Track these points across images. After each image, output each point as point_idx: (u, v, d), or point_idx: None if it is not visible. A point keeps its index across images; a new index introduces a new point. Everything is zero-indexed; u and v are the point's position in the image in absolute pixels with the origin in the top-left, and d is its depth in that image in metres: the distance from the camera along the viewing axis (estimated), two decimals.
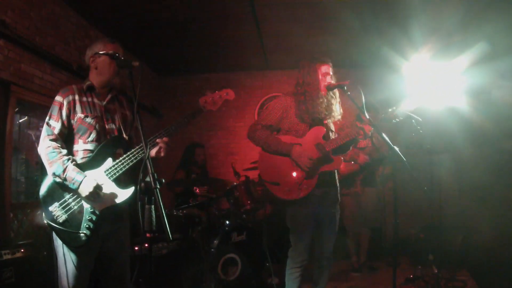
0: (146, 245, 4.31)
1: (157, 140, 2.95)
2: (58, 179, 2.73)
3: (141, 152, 2.85)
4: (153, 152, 2.99)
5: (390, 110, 3.73)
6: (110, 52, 2.99)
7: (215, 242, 5.04)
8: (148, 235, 2.45)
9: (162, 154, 3.02)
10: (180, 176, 6.56)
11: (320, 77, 3.75)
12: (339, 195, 3.90)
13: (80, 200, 2.77)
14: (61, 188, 2.78)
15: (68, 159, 2.76)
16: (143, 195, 2.39)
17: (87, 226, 2.72)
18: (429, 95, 6.13)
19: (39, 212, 4.80)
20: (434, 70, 6.29)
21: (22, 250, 3.92)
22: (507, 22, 5.46)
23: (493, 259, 5.89)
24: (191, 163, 6.79)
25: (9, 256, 3.77)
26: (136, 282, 4.25)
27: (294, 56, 7.67)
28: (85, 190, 2.71)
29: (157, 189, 2.29)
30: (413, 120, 4.04)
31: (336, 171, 3.88)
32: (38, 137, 3.41)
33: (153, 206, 2.39)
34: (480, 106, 6.30)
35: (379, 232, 7.40)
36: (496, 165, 6.38)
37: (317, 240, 3.84)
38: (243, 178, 6.10)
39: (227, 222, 5.43)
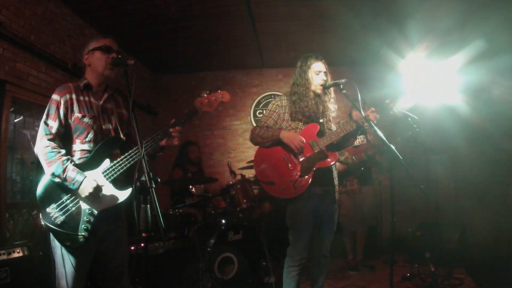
0: (142, 244, 4.31)
1: (170, 130, 2.99)
2: (57, 179, 2.71)
3: (138, 153, 2.83)
4: (163, 141, 3.02)
5: (387, 101, 3.75)
6: (101, 45, 2.99)
7: (212, 241, 5.03)
8: (144, 234, 2.43)
9: (176, 143, 3.08)
10: (177, 175, 6.56)
11: (312, 76, 3.77)
12: (337, 194, 3.90)
13: (78, 201, 2.76)
14: (58, 188, 2.76)
15: (68, 159, 2.75)
16: (139, 194, 2.38)
17: (85, 227, 2.71)
18: (427, 93, 6.14)
19: (35, 212, 4.81)
20: (432, 68, 6.29)
21: (17, 250, 3.90)
22: (505, 20, 5.46)
23: (490, 257, 5.91)
24: (186, 160, 6.80)
25: (4, 257, 3.76)
26: (132, 281, 4.24)
27: (291, 54, 7.68)
28: (85, 191, 2.69)
29: (153, 189, 2.28)
30: (409, 119, 4.05)
31: (334, 169, 3.88)
32: (33, 137, 3.39)
33: (148, 205, 2.37)
34: (478, 104, 6.30)
35: (375, 230, 7.41)
36: (493, 163, 6.39)
37: (316, 239, 3.84)
38: (239, 177, 6.11)
39: (223, 221, 5.42)
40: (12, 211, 4.81)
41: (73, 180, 2.69)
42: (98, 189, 2.73)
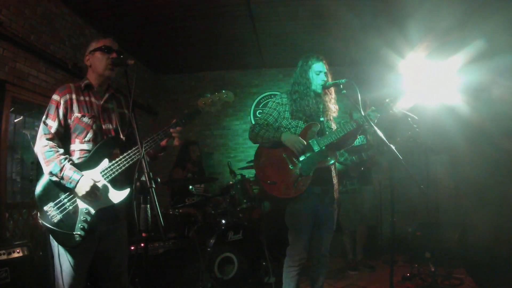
0: (142, 244, 4.31)
1: (171, 130, 2.97)
2: (54, 178, 2.71)
3: (137, 153, 2.82)
4: (164, 141, 3.02)
5: (387, 100, 3.74)
6: (101, 46, 2.99)
7: (212, 241, 5.03)
8: (144, 234, 2.43)
9: (176, 143, 3.07)
10: (177, 174, 6.56)
11: (313, 76, 3.77)
12: (335, 193, 3.89)
13: (75, 201, 2.75)
14: (56, 187, 2.76)
15: (65, 158, 2.75)
16: (139, 194, 2.37)
17: (81, 226, 2.70)
18: (427, 93, 6.14)
19: (35, 212, 4.81)
20: (432, 68, 6.29)
21: (17, 250, 3.90)
22: (505, 20, 5.46)
23: (490, 257, 5.91)
24: (187, 160, 6.80)
25: (4, 257, 3.76)
26: (132, 281, 4.24)
27: (290, 54, 7.67)
28: (82, 189, 2.69)
29: (153, 189, 2.28)
30: (409, 119, 4.05)
31: (333, 168, 3.88)
32: (33, 137, 3.40)
33: (148, 205, 2.37)
34: (478, 104, 6.30)
35: (375, 230, 7.41)
36: (493, 163, 6.39)
37: (315, 238, 3.83)
38: (239, 177, 6.10)
39: (223, 221, 5.42)
40: (12, 211, 4.81)
41: (70, 178, 2.69)
42: (94, 188, 2.73)
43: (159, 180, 2.34)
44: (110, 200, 2.82)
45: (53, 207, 2.71)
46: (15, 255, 3.86)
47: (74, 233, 2.69)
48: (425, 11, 5.63)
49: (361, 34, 6.65)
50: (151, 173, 2.31)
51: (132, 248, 4.40)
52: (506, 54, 5.57)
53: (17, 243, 4.03)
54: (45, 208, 2.71)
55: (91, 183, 2.71)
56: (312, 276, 3.95)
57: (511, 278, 5.01)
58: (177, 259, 5.01)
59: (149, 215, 2.40)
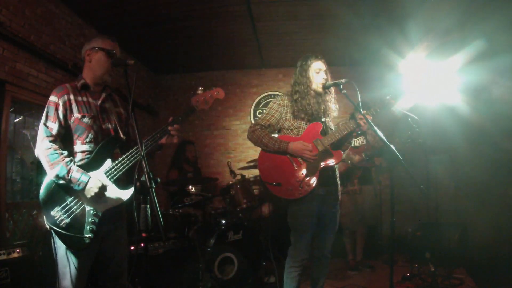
0: (142, 244, 4.31)
1: (169, 128, 3.00)
2: (61, 181, 2.70)
3: (139, 152, 2.82)
4: (163, 139, 3.03)
5: (387, 97, 3.74)
6: (108, 48, 2.97)
7: (211, 241, 5.03)
8: (144, 234, 2.43)
9: (175, 141, 3.09)
10: (173, 176, 6.56)
11: (313, 74, 3.76)
12: (339, 193, 3.89)
13: (82, 203, 2.75)
14: (61, 190, 2.75)
15: (71, 160, 2.74)
16: (139, 194, 2.37)
17: (90, 229, 2.71)
18: (427, 93, 6.14)
19: (35, 212, 4.80)
20: (432, 68, 6.29)
21: (17, 250, 3.90)
22: (505, 20, 5.46)
23: (490, 257, 5.91)
24: (183, 160, 6.81)
25: (4, 257, 3.76)
26: (132, 281, 4.23)
27: (291, 54, 7.67)
28: (91, 191, 2.69)
29: (153, 189, 2.28)
30: (409, 119, 4.05)
31: (336, 169, 3.87)
32: (33, 137, 3.40)
33: (148, 205, 2.37)
34: (478, 104, 6.30)
35: (375, 230, 7.40)
36: (493, 162, 6.39)
37: (317, 239, 3.83)
38: (239, 177, 6.10)
39: (223, 221, 5.42)
40: (12, 211, 4.80)
41: (78, 181, 2.69)
42: (103, 189, 2.73)
43: (159, 180, 2.34)
44: (116, 200, 2.83)
45: (61, 211, 2.70)
46: (15, 255, 3.86)
47: (84, 236, 2.69)
48: (425, 11, 5.62)
49: (361, 34, 6.65)
50: (151, 173, 2.31)
51: (132, 248, 4.40)
52: (506, 54, 5.57)
53: (17, 243, 4.03)
54: (52, 213, 2.70)
55: (100, 184, 2.71)
56: (313, 277, 3.95)
57: (511, 278, 5.01)
58: (177, 259, 5.01)
59: (149, 215, 2.39)
